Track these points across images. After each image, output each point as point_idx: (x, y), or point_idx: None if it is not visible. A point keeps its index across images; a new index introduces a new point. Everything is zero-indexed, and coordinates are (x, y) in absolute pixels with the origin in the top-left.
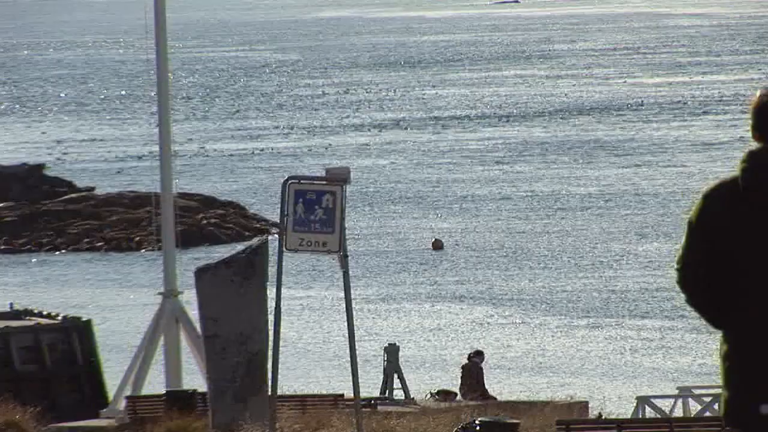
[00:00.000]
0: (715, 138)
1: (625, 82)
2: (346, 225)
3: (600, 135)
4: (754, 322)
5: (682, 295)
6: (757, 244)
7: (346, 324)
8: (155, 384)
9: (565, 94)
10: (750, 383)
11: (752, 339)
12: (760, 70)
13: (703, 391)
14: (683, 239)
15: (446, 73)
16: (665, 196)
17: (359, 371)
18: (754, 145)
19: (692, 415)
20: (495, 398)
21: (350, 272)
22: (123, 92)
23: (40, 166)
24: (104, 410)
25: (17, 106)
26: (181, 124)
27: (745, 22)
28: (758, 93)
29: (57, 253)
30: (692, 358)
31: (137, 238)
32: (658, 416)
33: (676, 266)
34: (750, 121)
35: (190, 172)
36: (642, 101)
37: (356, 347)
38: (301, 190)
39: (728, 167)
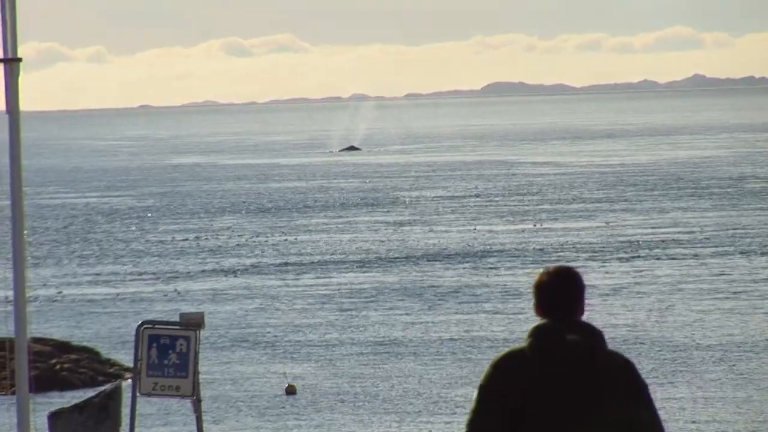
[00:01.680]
0: None
1: (475, 228)
2: (200, 369)
3: (446, 281)
4: None
5: None
6: (545, 402)
7: None
8: None
9: (415, 240)
10: None
11: None
12: (603, 218)
13: None
14: (473, 404)
15: (298, 218)
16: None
17: None
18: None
19: None
20: None
21: (203, 417)
22: None
23: None
24: None
25: None
26: (35, 269)
27: (593, 171)
28: (540, 272)
29: None
30: None
31: None
32: None
33: (465, 429)
34: (533, 299)
35: (44, 317)
36: (491, 247)
37: None
38: (155, 334)
39: None
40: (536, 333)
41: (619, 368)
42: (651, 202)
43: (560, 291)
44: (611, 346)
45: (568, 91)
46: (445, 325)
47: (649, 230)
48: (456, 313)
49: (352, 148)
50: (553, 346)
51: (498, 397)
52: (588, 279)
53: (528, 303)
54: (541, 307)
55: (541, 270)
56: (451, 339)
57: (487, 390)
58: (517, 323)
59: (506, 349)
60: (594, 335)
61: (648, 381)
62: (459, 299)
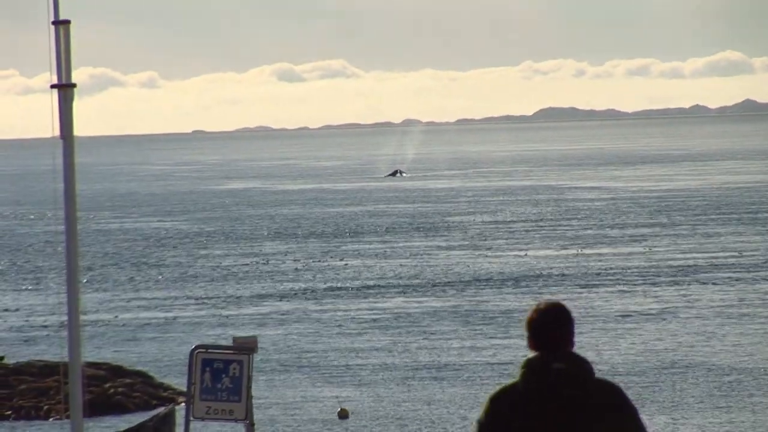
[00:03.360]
0: (619, 307)
1: (525, 254)
2: (253, 393)
3: (496, 306)
4: None
5: None
6: (542, 430)
7: None
8: None
9: (465, 265)
10: None
11: None
12: (651, 242)
13: None
14: None
15: (348, 243)
16: None
17: None
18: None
19: None
20: None
21: None
22: (32, 262)
23: None
24: None
25: None
26: (89, 293)
27: (643, 195)
28: (533, 308)
29: None
30: None
31: (46, 407)
32: None
33: None
34: (525, 333)
35: (98, 341)
36: (541, 272)
37: None
38: (209, 359)
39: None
40: (527, 365)
41: (609, 394)
42: (700, 227)
43: (550, 325)
44: (661, 368)
45: (619, 116)
46: (494, 350)
47: (698, 255)
48: (505, 337)
49: (400, 173)
50: (541, 376)
51: (496, 429)
52: (641, 302)
53: (575, 326)
54: (533, 341)
55: (533, 305)
56: (500, 363)
57: (485, 425)
58: None
59: (502, 384)
60: (582, 364)
61: (697, 405)
62: (508, 324)
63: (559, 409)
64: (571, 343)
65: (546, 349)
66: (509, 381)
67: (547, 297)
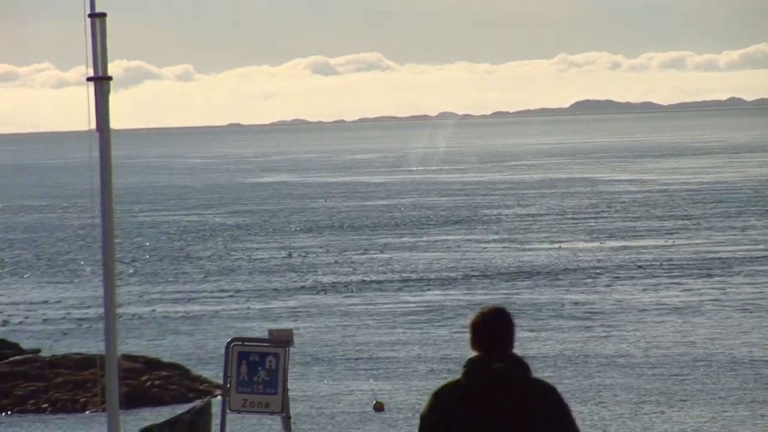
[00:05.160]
0: (653, 300)
1: (559, 246)
2: (289, 386)
3: (530, 299)
4: None
5: None
6: (481, 426)
7: None
8: None
9: (500, 258)
10: None
11: None
12: (690, 236)
13: None
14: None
15: (382, 236)
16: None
17: None
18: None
19: None
20: None
21: None
22: (68, 255)
23: None
24: None
25: None
26: (125, 286)
27: (681, 188)
28: (477, 311)
29: (2, 414)
30: None
31: (82, 400)
32: None
33: None
34: (469, 335)
35: (134, 334)
36: (575, 265)
37: None
38: (245, 351)
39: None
40: (469, 364)
41: (544, 393)
42: (736, 220)
43: (493, 328)
44: (694, 360)
45: (655, 108)
46: (527, 342)
47: (733, 247)
48: (540, 330)
49: (436, 166)
50: (482, 375)
51: (439, 425)
52: (676, 295)
53: (609, 319)
54: (476, 342)
55: (478, 309)
56: (534, 356)
57: (428, 419)
58: (597, 341)
59: (445, 380)
60: (519, 364)
61: (735, 397)
62: (540, 316)
63: (498, 406)
64: (512, 345)
65: (488, 350)
66: (452, 378)
67: (587, 288)
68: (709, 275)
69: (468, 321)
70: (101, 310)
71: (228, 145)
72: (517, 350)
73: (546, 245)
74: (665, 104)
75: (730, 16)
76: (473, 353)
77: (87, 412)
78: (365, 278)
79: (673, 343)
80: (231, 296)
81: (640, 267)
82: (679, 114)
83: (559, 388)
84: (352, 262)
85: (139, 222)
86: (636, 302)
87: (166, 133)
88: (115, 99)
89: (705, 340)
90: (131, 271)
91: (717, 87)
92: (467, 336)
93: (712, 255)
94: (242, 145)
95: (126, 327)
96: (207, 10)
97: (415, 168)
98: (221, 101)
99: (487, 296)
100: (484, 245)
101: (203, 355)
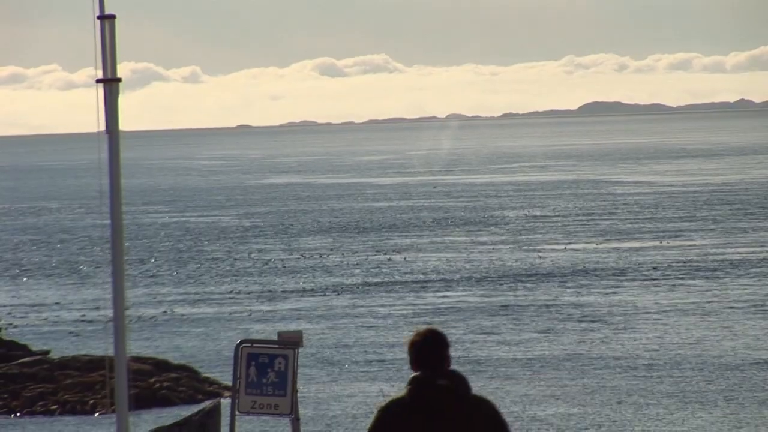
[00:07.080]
0: (662, 302)
1: (565, 248)
2: (299, 388)
3: (539, 300)
4: None
5: None
6: None
7: None
8: None
9: (509, 259)
10: None
11: None
12: (696, 238)
13: None
14: None
15: (392, 238)
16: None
17: None
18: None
19: None
20: None
21: None
22: (77, 256)
23: None
24: None
25: None
26: (134, 288)
27: (688, 191)
28: (414, 333)
29: (12, 416)
30: None
31: (91, 401)
32: None
33: None
34: (409, 356)
35: (143, 335)
36: (583, 266)
37: None
38: (254, 353)
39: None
40: (413, 382)
41: (485, 408)
42: (743, 221)
43: (429, 348)
44: (701, 362)
45: (664, 110)
46: (535, 343)
47: (742, 249)
48: (546, 331)
49: (444, 168)
50: (427, 391)
51: None
52: (683, 297)
53: (616, 320)
54: (414, 363)
55: (414, 329)
56: (541, 358)
57: None
58: (603, 342)
59: (390, 397)
60: (462, 381)
61: (742, 399)
62: (551, 318)
63: (442, 421)
64: (449, 363)
65: (428, 368)
66: (397, 394)
67: (596, 290)
68: (718, 277)
69: (406, 342)
70: (110, 312)
71: (237, 146)
72: (518, 351)
73: (553, 247)
74: (674, 106)
75: (736, 17)
76: (414, 373)
77: (96, 413)
78: (374, 280)
79: (681, 345)
80: (240, 298)
81: (653, 269)
82: (688, 116)
83: (497, 404)
84: (361, 264)
85: (148, 223)
86: (644, 304)
87: (175, 134)
88: (123, 100)
89: (713, 341)
90: (140, 272)
91: (724, 89)
92: (407, 357)
93: (721, 257)
94: (251, 146)
95: (135, 329)
96: (213, 12)
97: (424, 170)
98: (229, 103)
99: (495, 297)
100: (491, 247)
101: (212, 356)
